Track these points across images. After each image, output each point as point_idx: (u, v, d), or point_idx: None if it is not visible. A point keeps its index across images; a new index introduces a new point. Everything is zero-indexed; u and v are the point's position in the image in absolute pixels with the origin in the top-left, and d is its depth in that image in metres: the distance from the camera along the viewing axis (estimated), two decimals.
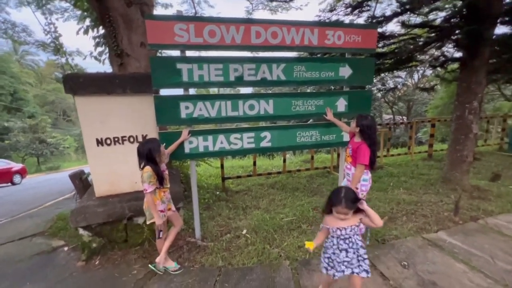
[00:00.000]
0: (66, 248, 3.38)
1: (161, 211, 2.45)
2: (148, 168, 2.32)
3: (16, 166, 13.40)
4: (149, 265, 2.63)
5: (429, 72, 21.81)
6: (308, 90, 12.69)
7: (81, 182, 3.84)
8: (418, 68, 19.71)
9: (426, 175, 5.18)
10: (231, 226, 3.52)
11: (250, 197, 4.68)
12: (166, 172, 2.53)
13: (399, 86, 12.27)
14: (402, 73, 20.25)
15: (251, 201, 4.46)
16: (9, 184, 12.39)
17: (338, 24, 3.17)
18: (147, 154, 2.34)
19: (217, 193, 4.97)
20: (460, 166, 4.27)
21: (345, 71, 3.18)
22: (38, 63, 35.92)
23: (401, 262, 2.45)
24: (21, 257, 3.24)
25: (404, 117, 23.35)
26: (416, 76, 23.84)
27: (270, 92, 12.30)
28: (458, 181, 4.25)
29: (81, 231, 2.94)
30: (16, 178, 12.73)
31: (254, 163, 5.58)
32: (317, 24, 3.04)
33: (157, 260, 2.53)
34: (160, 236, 2.51)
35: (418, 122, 7.26)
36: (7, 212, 5.78)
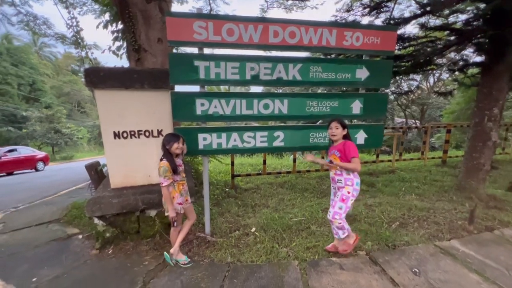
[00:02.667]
0: (80, 236, 3.50)
1: (179, 203, 2.53)
2: (163, 162, 2.38)
3: (40, 154, 14.27)
4: (165, 253, 2.67)
5: (445, 76, 21.31)
6: (319, 91, 12.62)
7: (97, 173, 3.95)
8: (434, 71, 19.25)
9: (439, 181, 5.07)
10: (240, 223, 3.55)
11: (259, 196, 4.71)
12: (182, 166, 2.59)
13: (413, 89, 11.93)
14: (417, 76, 19.84)
15: (260, 200, 4.49)
16: (33, 170, 13.04)
17: (357, 25, 3.13)
18: (162, 146, 2.45)
19: (227, 190, 5.02)
20: (477, 174, 4.15)
21: (362, 73, 3.14)
22: (56, 55, 36.99)
23: (412, 269, 2.41)
24: (38, 242, 3.37)
25: (417, 121, 22.81)
26: (431, 80, 23.27)
27: (281, 92, 12.28)
28: (474, 189, 4.14)
29: (95, 220, 3.03)
30: (40, 165, 13.47)
31: (264, 162, 5.59)
32: (335, 25, 3.01)
33: (171, 251, 2.60)
34: (175, 225, 2.57)
35: (433, 127, 7.09)
36: (25, 198, 6.03)
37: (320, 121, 4.86)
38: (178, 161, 2.55)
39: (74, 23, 4.42)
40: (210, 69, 2.77)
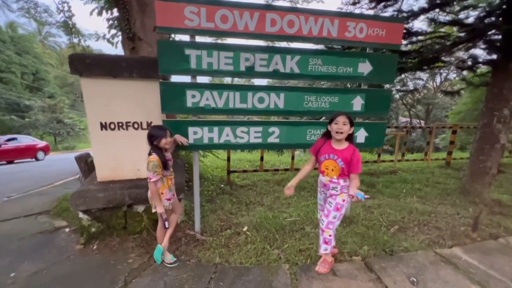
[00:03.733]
0: (67, 230, 3.39)
1: (168, 199, 2.41)
2: (153, 157, 2.23)
3: (41, 143, 14.30)
4: (159, 245, 2.51)
5: (452, 75, 20.85)
6: (314, 86, 12.36)
7: (87, 165, 3.83)
8: (442, 70, 18.82)
9: (442, 184, 4.88)
10: (232, 221, 3.42)
11: (254, 193, 4.57)
12: (171, 160, 2.46)
13: (419, 88, 11.63)
14: (424, 75, 19.41)
15: (255, 197, 4.35)
16: (33, 159, 13.08)
17: (360, 15, 2.93)
18: (148, 139, 2.29)
19: (222, 186, 4.89)
20: (482, 177, 3.96)
21: (365, 67, 2.95)
22: (61, 45, 36.83)
23: (409, 278, 2.26)
24: (24, 234, 3.27)
25: (421, 120, 22.45)
26: (438, 79, 22.80)
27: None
28: (478, 193, 3.95)
29: (80, 214, 2.92)
30: (40, 155, 13.51)
31: (261, 158, 5.44)
32: (337, 14, 2.81)
33: (162, 244, 2.48)
34: (167, 226, 2.40)
35: (438, 127, 6.86)
36: (21, 187, 5.96)
37: (323, 117, 4.66)
38: (168, 155, 2.41)
39: (66, 8, 4.26)
40: (202, 58, 2.60)
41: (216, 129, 2.84)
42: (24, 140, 13.44)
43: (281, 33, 2.70)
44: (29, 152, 13.09)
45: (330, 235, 2.22)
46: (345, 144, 2.15)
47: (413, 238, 2.95)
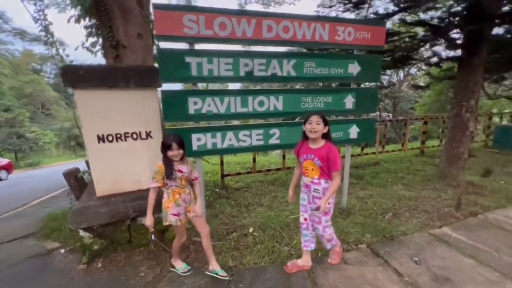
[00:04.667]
0: (62, 251, 3.19)
1: (175, 214, 2.26)
2: (158, 163, 2.18)
3: (2, 161, 12.86)
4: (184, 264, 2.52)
5: (413, 69, 22.55)
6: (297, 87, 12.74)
7: (76, 180, 3.63)
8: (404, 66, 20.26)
9: (421, 171, 5.33)
10: (236, 224, 3.46)
11: (251, 194, 4.63)
12: (184, 172, 2.26)
13: (394, 83, 12.53)
14: (388, 71, 20.77)
15: (252, 198, 4.41)
16: None
17: (349, 20, 3.13)
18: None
19: (217, 190, 4.88)
20: (457, 162, 4.41)
21: (354, 68, 3.16)
22: (14, 52, 33.86)
23: (412, 258, 2.49)
24: (13, 260, 3.02)
25: (389, 114, 23.94)
26: (401, 74, 24.50)
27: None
28: (454, 177, 4.39)
29: (81, 232, 2.78)
30: (2, 174, 12.21)
31: (254, 160, 5.52)
32: (328, 20, 2.99)
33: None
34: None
35: (411, 119, 7.45)
36: None
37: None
38: (181, 166, 2.25)
39: (42, 16, 3.98)
40: (202, 65, 2.63)
41: (219, 134, 2.87)
42: None
43: (277, 38, 2.81)
44: None
45: (330, 234, 2.35)
46: (321, 143, 2.15)
47: (407, 222, 3.21)
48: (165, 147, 2.16)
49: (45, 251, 3.21)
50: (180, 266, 2.52)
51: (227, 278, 2.35)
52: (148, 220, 2.22)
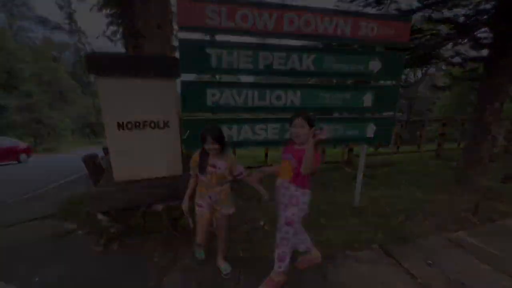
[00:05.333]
0: (80, 232, 3.33)
1: (199, 206, 2.23)
2: (194, 155, 2.19)
3: (23, 144, 13.44)
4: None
5: (432, 69, 21.78)
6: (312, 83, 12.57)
7: (95, 166, 3.75)
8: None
9: (438, 174, 5.20)
10: (247, 217, 3.49)
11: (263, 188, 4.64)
12: (217, 168, 2.09)
13: (417, 82, 12.18)
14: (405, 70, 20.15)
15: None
16: (16, 162, 12.40)
17: (372, 15, 3.05)
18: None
19: None
20: (476, 167, 4.27)
21: (375, 65, 3.08)
22: (34, 40, 34.80)
23: (425, 260, 2.45)
24: (35, 239, 3.18)
25: (401, 114, 23.31)
26: (419, 74, 23.76)
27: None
28: (473, 181, 4.26)
29: (99, 216, 2.89)
30: (23, 157, 12.76)
31: (266, 155, 5.53)
32: (351, 14, 2.92)
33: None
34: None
35: (430, 120, 7.25)
36: (14, 192, 5.70)
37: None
38: (215, 161, 2.10)
39: (66, 4, 4.08)
40: (222, 57, 2.63)
41: (235, 127, 2.89)
42: (4, 142, 12.71)
43: (297, 32, 2.77)
44: (11, 154, 12.42)
45: (284, 252, 2.01)
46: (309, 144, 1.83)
47: (421, 225, 3.16)
48: (201, 139, 2.05)
49: (64, 232, 3.35)
50: (222, 266, 2.44)
51: (227, 277, 2.35)
52: (184, 205, 2.23)
